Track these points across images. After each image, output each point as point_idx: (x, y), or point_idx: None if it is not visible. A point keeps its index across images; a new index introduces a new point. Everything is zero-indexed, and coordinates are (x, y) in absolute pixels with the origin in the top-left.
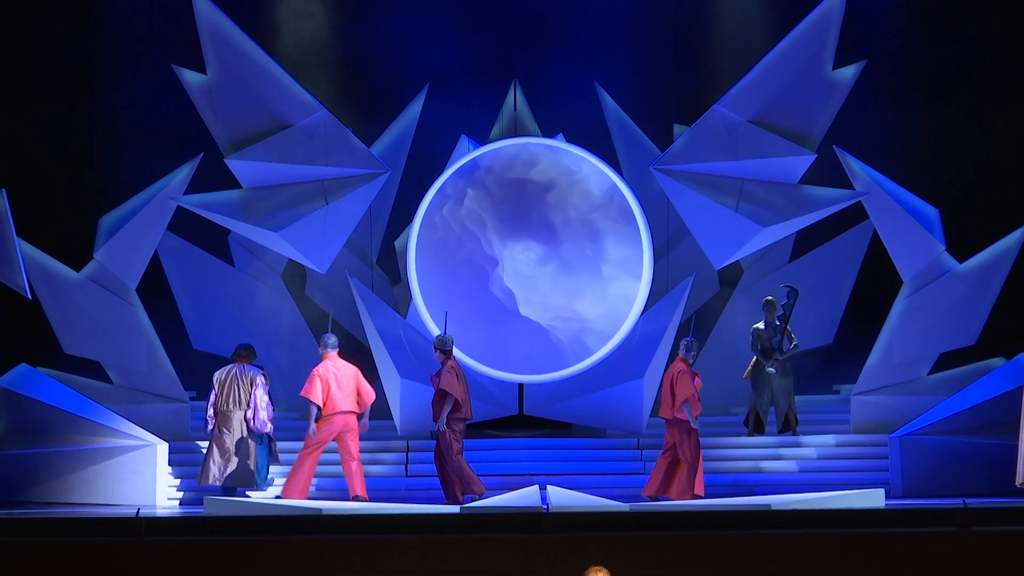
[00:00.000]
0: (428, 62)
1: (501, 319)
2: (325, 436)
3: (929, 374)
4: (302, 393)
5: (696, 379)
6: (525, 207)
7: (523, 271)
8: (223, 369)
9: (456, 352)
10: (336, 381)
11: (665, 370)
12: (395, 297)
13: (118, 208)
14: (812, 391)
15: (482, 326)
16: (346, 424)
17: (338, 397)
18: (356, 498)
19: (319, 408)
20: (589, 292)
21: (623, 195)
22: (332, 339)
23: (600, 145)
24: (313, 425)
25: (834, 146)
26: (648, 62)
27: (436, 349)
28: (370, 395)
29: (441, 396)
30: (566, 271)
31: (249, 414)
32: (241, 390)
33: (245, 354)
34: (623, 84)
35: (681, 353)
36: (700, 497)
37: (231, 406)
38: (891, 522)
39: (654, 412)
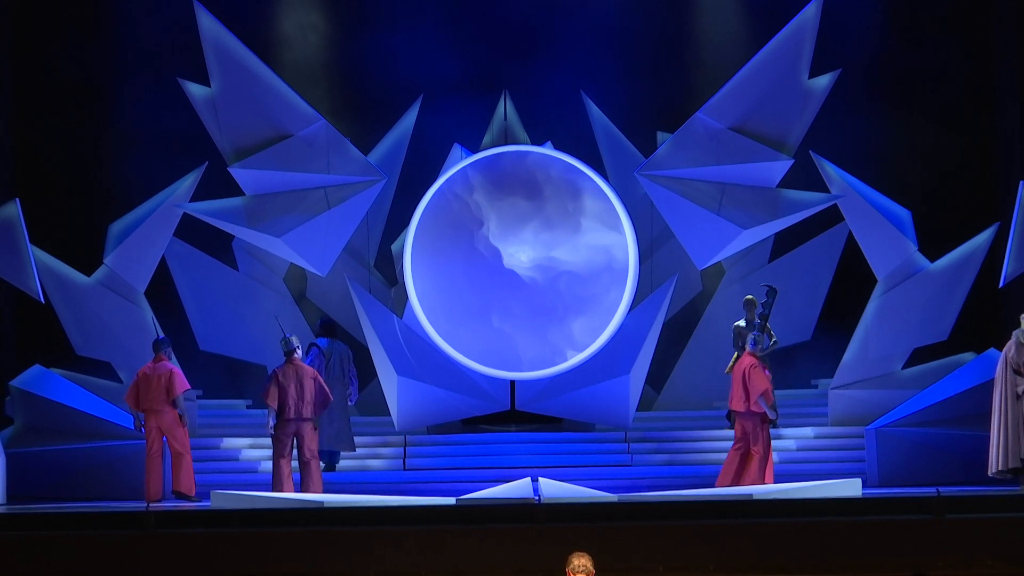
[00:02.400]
0: (422, 74)
1: (493, 313)
2: (150, 436)
3: (903, 368)
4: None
5: (765, 371)
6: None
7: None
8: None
9: (449, 350)
10: (145, 382)
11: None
12: (392, 299)
13: (127, 215)
14: (791, 385)
15: (475, 323)
16: (158, 421)
17: (144, 398)
18: (177, 494)
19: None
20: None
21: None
22: (159, 342)
23: (587, 152)
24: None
25: (810, 151)
26: (632, 73)
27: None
28: (178, 387)
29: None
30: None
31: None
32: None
33: (327, 332)
34: (609, 94)
35: (749, 347)
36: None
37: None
38: (868, 511)
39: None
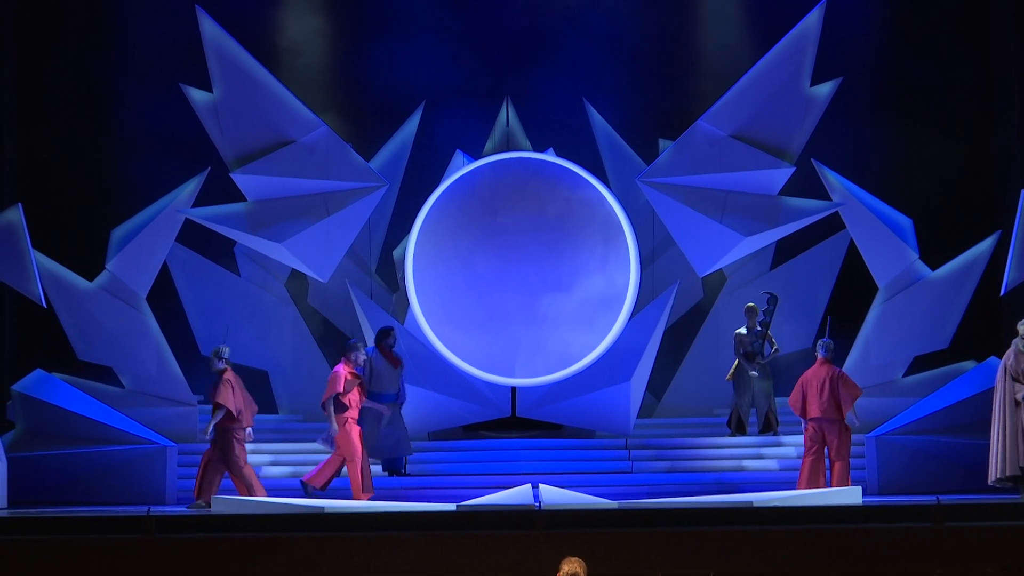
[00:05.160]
0: (424, 80)
1: (495, 319)
2: None
3: (904, 376)
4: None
5: None
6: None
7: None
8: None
9: (450, 356)
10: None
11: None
12: (393, 305)
13: (129, 220)
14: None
15: (476, 330)
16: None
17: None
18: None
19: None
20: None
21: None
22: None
23: (589, 159)
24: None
25: (812, 159)
26: (634, 80)
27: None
28: (325, 392)
29: (216, 407)
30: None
31: None
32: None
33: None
34: (611, 101)
35: (826, 355)
36: None
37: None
38: (868, 518)
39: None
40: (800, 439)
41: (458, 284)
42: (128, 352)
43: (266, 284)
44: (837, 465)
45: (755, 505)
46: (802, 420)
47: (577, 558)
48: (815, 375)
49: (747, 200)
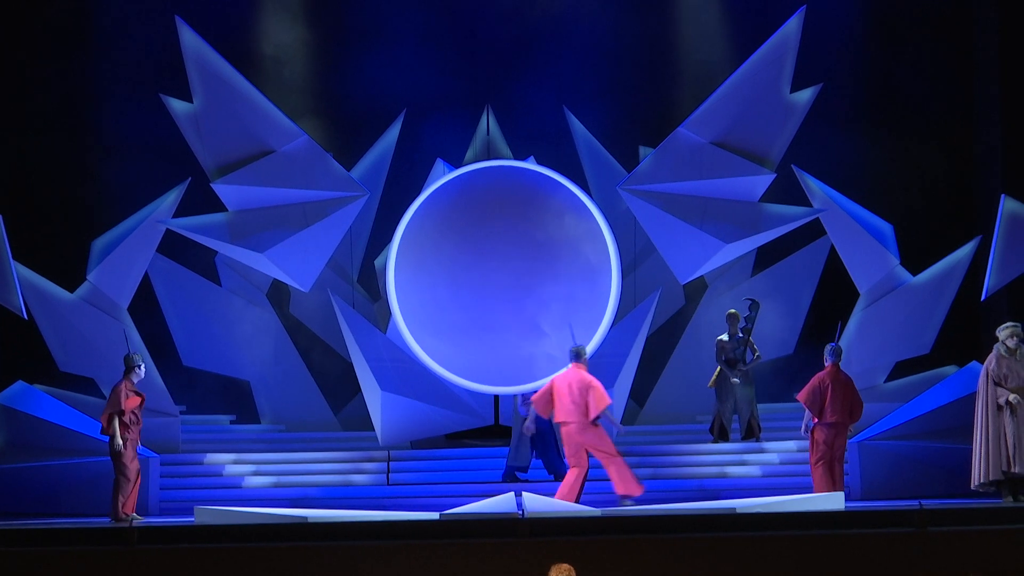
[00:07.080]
0: (405, 89)
1: (477, 327)
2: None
3: (885, 382)
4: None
5: None
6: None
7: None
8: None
9: (432, 365)
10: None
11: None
12: (375, 314)
13: (110, 231)
14: (774, 399)
15: (458, 338)
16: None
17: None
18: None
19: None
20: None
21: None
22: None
23: (569, 167)
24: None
25: (792, 165)
26: (615, 87)
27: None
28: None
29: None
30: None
31: None
32: None
33: None
34: (591, 108)
35: (836, 360)
36: None
37: None
38: (851, 524)
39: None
40: (782, 445)
41: (440, 293)
42: (109, 363)
43: (247, 294)
44: (839, 466)
45: (738, 511)
46: (812, 421)
47: (567, 565)
48: (836, 380)
49: (728, 207)
